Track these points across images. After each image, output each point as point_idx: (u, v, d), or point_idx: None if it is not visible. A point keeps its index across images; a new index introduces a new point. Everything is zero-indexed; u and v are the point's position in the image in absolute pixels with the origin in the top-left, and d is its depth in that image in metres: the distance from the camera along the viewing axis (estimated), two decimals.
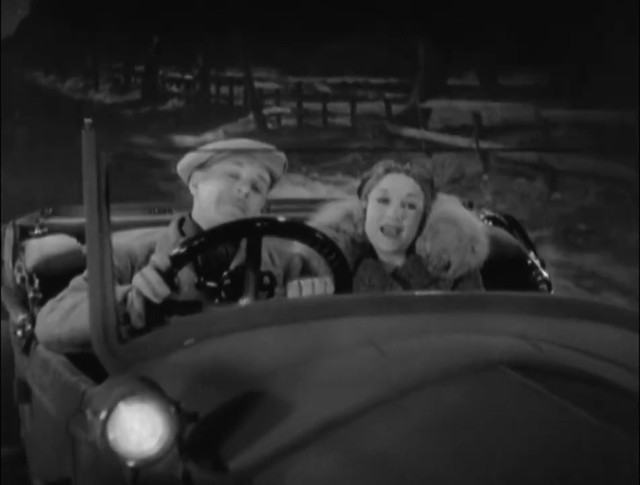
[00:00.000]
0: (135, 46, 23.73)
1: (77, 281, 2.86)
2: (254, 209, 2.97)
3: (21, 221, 3.69)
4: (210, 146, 3.05)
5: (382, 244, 3.13)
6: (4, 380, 3.43)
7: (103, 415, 1.88)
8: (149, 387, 1.92)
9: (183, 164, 3.05)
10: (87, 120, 2.01)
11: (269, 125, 18.59)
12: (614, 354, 2.18)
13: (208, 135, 16.14)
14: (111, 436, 1.88)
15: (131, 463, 1.89)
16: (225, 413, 1.99)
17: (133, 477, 1.90)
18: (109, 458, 1.89)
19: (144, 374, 2.01)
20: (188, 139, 16.39)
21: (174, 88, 24.13)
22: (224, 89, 22.46)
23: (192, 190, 3.05)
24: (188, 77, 23.52)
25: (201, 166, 3.01)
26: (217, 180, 2.96)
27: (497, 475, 1.73)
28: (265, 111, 19.30)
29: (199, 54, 22.58)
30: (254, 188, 2.97)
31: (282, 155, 3.07)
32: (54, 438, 2.65)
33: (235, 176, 2.96)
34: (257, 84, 20.30)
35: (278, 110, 19.35)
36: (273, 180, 3.07)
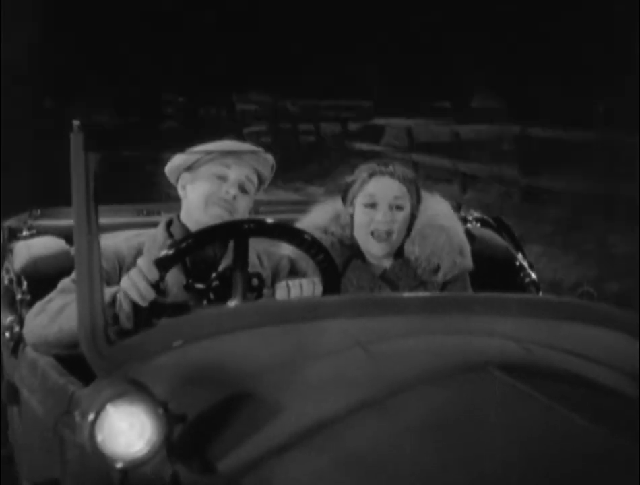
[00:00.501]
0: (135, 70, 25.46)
1: (65, 283, 2.86)
2: (242, 210, 2.97)
3: (9, 222, 3.69)
4: (198, 148, 3.04)
5: (374, 249, 3.12)
6: None
7: (91, 416, 1.87)
8: (137, 389, 1.92)
9: (171, 165, 3.05)
10: (76, 122, 2.01)
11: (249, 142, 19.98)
12: (601, 355, 2.19)
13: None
14: (99, 437, 1.88)
15: (119, 465, 1.89)
16: (213, 414, 1.99)
17: (122, 478, 1.90)
18: (97, 459, 1.89)
19: (132, 376, 2.01)
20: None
21: (169, 110, 26.76)
22: (212, 111, 25.42)
23: (180, 191, 3.05)
24: (180, 99, 25.90)
25: (189, 168, 3.01)
26: (205, 182, 2.96)
27: (485, 476, 1.73)
28: (245, 130, 21.47)
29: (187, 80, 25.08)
30: (242, 189, 2.97)
31: (270, 157, 3.06)
32: (43, 439, 2.65)
33: (223, 178, 2.96)
34: (239, 106, 23.36)
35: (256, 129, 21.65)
36: (261, 182, 3.07)
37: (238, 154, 2.98)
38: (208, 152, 2.99)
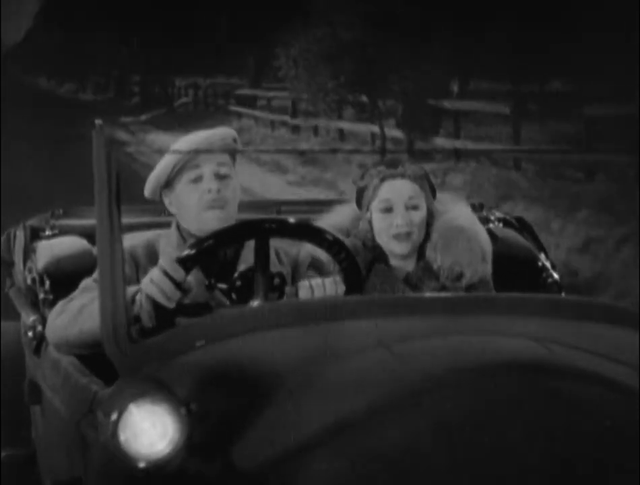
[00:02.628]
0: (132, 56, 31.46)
1: (86, 282, 2.86)
2: (231, 196, 2.89)
3: (31, 222, 3.69)
4: (164, 160, 2.96)
5: (397, 249, 3.10)
6: (11, 381, 3.43)
7: (114, 416, 1.88)
8: (160, 389, 1.92)
9: (148, 186, 2.98)
10: (98, 121, 2.01)
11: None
12: (625, 356, 2.18)
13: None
14: (122, 437, 1.88)
15: (141, 464, 1.89)
16: (235, 414, 1.99)
17: (144, 478, 1.91)
18: (120, 459, 1.89)
19: (155, 376, 2.02)
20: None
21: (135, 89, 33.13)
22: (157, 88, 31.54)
23: (171, 209, 2.98)
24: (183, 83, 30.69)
25: (167, 186, 2.94)
26: (185, 193, 2.88)
27: (509, 476, 1.73)
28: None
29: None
30: (220, 177, 2.88)
31: (226, 130, 2.98)
32: (65, 439, 2.66)
33: (198, 180, 2.87)
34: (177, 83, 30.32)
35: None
36: (233, 157, 2.98)
37: (202, 152, 2.90)
38: (184, 153, 2.88)
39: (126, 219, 2.08)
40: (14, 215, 3.93)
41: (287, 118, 20.79)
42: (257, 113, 23.20)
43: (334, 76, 16.38)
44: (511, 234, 3.77)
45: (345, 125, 18.34)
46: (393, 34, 15.43)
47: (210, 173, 2.88)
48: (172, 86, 30.63)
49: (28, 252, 3.51)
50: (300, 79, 17.21)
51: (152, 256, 2.90)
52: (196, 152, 2.88)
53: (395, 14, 15.33)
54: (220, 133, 2.98)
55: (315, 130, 19.54)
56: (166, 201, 2.97)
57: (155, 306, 2.59)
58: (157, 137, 22.04)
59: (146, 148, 20.05)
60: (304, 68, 16.90)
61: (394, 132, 16.35)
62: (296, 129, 20.41)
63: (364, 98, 16.86)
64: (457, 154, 13.82)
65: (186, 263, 2.64)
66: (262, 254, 2.73)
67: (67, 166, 13.89)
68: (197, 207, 2.86)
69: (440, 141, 15.36)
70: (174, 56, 28.64)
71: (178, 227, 2.97)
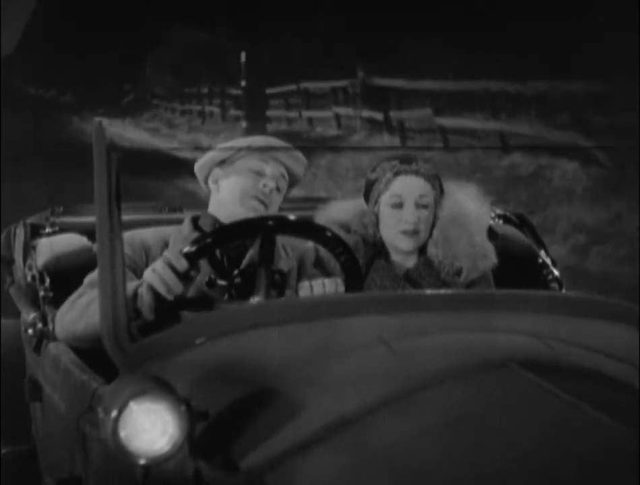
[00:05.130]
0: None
1: (92, 277, 2.87)
2: (275, 205, 2.99)
3: (31, 220, 3.70)
4: (229, 144, 3.06)
5: (402, 244, 3.10)
6: (11, 378, 3.44)
7: (114, 413, 1.88)
8: (160, 386, 1.92)
9: (202, 161, 3.07)
10: (97, 119, 2.01)
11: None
12: (625, 353, 2.18)
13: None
14: (122, 434, 1.88)
15: (141, 461, 1.89)
16: (236, 411, 1.99)
17: (144, 475, 1.91)
18: (120, 456, 1.89)
19: (155, 373, 2.02)
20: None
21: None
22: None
23: (211, 186, 3.06)
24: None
25: (222, 163, 3.02)
26: (241, 176, 2.97)
27: (508, 473, 1.73)
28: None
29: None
30: (277, 185, 2.99)
31: (302, 156, 3.07)
32: (65, 435, 2.66)
33: (260, 173, 2.98)
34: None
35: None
36: (292, 182, 3.08)
37: (272, 151, 3.00)
38: (240, 149, 3.00)
39: (126, 217, 2.08)
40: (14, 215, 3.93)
41: None
42: None
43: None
44: (512, 231, 3.78)
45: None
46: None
47: (272, 174, 3.00)
48: None
49: (28, 250, 3.51)
50: None
51: (164, 247, 2.93)
52: (271, 152, 3.01)
53: None
54: (301, 157, 3.10)
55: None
56: (212, 177, 3.07)
57: (156, 298, 2.60)
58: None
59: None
60: None
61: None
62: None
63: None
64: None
65: (189, 256, 2.65)
66: (266, 251, 2.74)
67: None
68: (246, 193, 2.96)
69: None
70: None
71: (194, 222, 3.01)
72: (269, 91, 16.48)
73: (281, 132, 14.65)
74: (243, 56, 16.77)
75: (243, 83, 16.57)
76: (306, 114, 15.30)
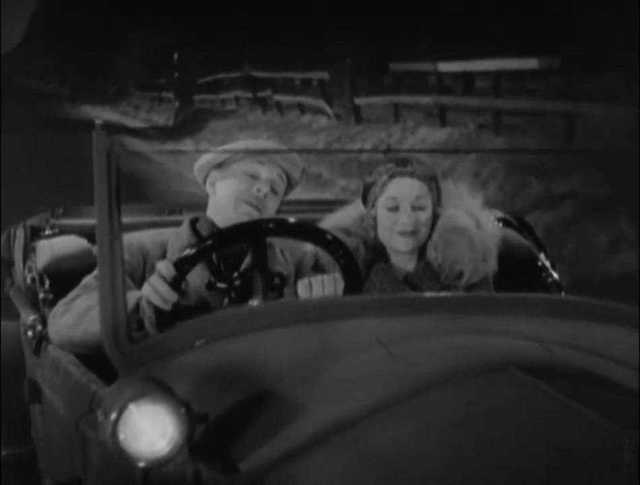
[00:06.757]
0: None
1: (88, 280, 2.87)
2: (271, 210, 2.97)
3: (31, 221, 3.70)
4: (227, 147, 3.05)
5: (400, 245, 3.10)
6: (10, 380, 3.43)
7: (113, 416, 1.88)
8: (160, 388, 1.92)
9: (200, 163, 3.06)
10: (98, 121, 2.01)
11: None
12: (624, 356, 2.18)
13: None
14: (121, 436, 1.88)
15: (141, 464, 1.89)
16: (235, 414, 1.99)
17: (144, 477, 1.91)
18: (119, 458, 1.89)
19: (154, 375, 2.02)
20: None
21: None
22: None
23: (209, 189, 3.05)
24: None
25: (220, 166, 3.01)
26: (236, 180, 2.96)
27: (507, 476, 1.73)
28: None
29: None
30: (273, 189, 2.97)
31: (300, 159, 3.06)
32: (65, 438, 2.66)
33: (254, 176, 2.96)
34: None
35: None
36: (290, 185, 3.07)
37: (269, 154, 2.99)
38: (238, 151, 3.00)
39: (125, 219, 2.08)
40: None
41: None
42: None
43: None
44: (511, 234, 3.77)
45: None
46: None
47: (267, 178, 2.99)
48: None
49: (28, 252, 3.52)
50: None
51: (162, 251, 2.92)
52: (267, 154, 3.00)
53: None
54: (298, 160, 3.08)
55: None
56: (210, 179, 3.06)
57: (157, 311, 2.60)
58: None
59: None
60: None
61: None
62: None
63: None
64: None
65: (182, 265, 2.64)
66: (259, 253, 2.73)
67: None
68: (240, 197, 2.95)
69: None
70: None
71: (193, 225, 3.00)
72: (199, 81, 25.85)
73: (204, 109, 24.03)
74: (176, 55, 26.92)
75: (175, 75, 26.56)
76: (220, 96, 24.39)
